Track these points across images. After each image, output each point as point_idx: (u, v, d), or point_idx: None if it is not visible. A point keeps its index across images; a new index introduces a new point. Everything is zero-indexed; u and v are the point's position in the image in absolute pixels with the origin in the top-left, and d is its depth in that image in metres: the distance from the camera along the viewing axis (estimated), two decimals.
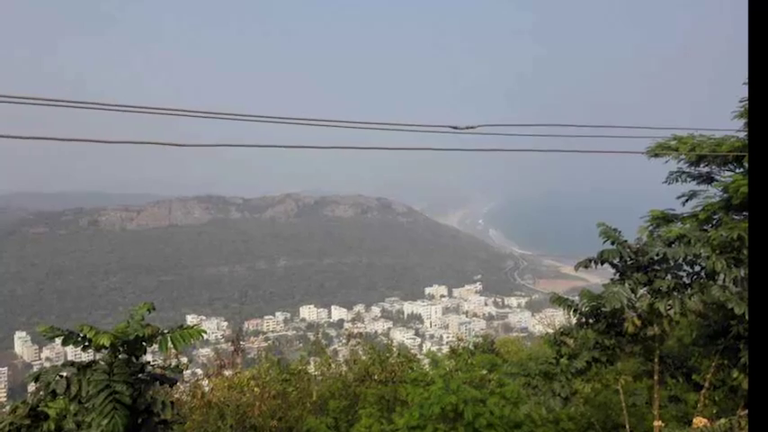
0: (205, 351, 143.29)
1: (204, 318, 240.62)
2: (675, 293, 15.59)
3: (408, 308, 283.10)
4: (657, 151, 20.61)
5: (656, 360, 16.86)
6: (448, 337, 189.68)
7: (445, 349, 34.91)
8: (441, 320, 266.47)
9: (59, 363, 10.86)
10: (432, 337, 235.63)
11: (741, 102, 19.67)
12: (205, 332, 11.41)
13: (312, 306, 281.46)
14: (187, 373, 25.36)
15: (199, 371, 34.22)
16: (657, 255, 16.17)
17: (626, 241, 17.01)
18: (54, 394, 9.98)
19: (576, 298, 17.60)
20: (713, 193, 20.12)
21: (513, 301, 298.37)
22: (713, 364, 17.30)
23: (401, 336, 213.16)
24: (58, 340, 10.16)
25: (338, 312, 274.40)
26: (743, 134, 19.15)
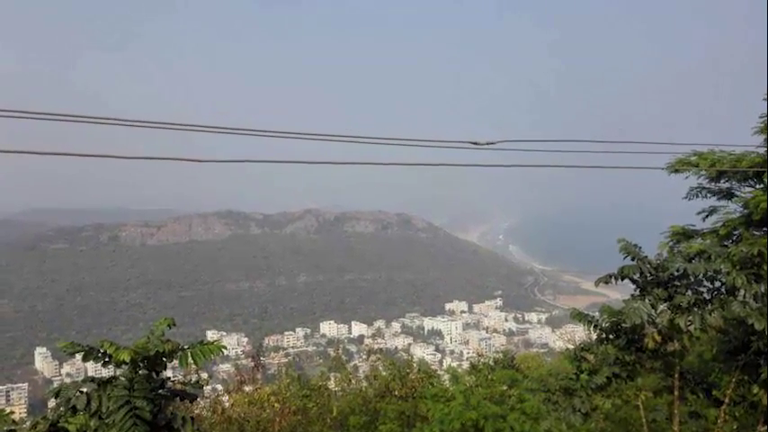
0: (225, 367, 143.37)
1: (224, 333, 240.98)
2: (696, 309, 15.51)
3: (428, 323, 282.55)
4: (677, 167, 20.56)
5: (676, 376, 16.76)
6: (468, 353, 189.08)
7: (465, 365, 34.87)
8: (461, 336, 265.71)
9: (80, 378, 10.92)
10: (452, 352, 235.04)
11: (761, 117, 19.63)
12: (225, 348, 11.46)
13: (332, 322, 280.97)
14: (207, 388, 25.33)
15: (219, 386, 34.24)
16: (678, 270, 16.09)
17: (646, 257, 16.93)
18: (74, 410, 10.02)
19: (597, 313, 17.50)
20: (733, 208, 20.03)
21: (533, 316, 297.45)
22: (733, 379, 17.17)
23: (421, 351, 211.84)
24: (79, 356, 10.22)
25: (358, 328, 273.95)
26: (763, 150, 19.10)
